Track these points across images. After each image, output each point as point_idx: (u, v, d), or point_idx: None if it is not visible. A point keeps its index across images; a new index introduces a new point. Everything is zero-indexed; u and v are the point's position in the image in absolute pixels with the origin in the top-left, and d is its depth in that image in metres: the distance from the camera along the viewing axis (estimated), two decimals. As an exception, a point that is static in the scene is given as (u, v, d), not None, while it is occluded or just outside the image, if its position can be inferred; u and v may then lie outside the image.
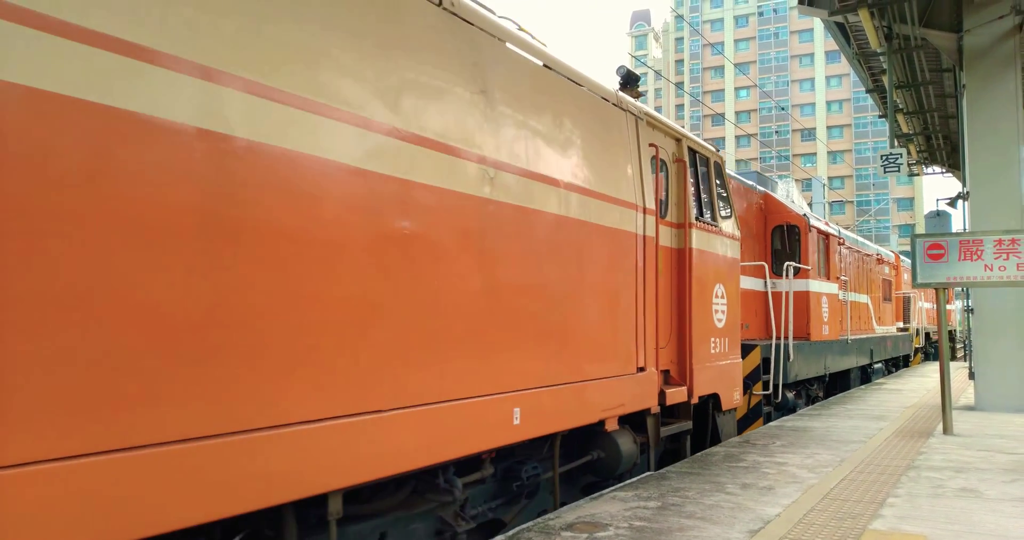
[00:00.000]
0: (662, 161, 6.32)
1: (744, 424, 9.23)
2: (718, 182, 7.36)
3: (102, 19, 2.29)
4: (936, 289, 8.36)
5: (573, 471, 5.33)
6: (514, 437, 4.20)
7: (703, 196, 6.92)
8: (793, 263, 10.76)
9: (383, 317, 3.31)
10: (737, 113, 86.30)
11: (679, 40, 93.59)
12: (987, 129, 10.36)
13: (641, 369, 5.64)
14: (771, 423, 8.88)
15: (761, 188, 11.74)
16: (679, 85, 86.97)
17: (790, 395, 10.49)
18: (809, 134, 78.71)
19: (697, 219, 6.67)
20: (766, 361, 9.71)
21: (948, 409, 7.99)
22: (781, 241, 11.28)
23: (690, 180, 6.68)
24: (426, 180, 3.60)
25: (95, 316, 2.24)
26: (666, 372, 6.22)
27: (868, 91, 17.03)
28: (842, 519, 4.45)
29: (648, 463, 6.09)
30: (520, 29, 4.67)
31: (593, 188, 5.11)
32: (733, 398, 7.50)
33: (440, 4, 3.86)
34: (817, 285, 11.74)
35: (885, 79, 13.73)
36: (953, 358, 24.25)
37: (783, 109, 42.33)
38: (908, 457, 6.57)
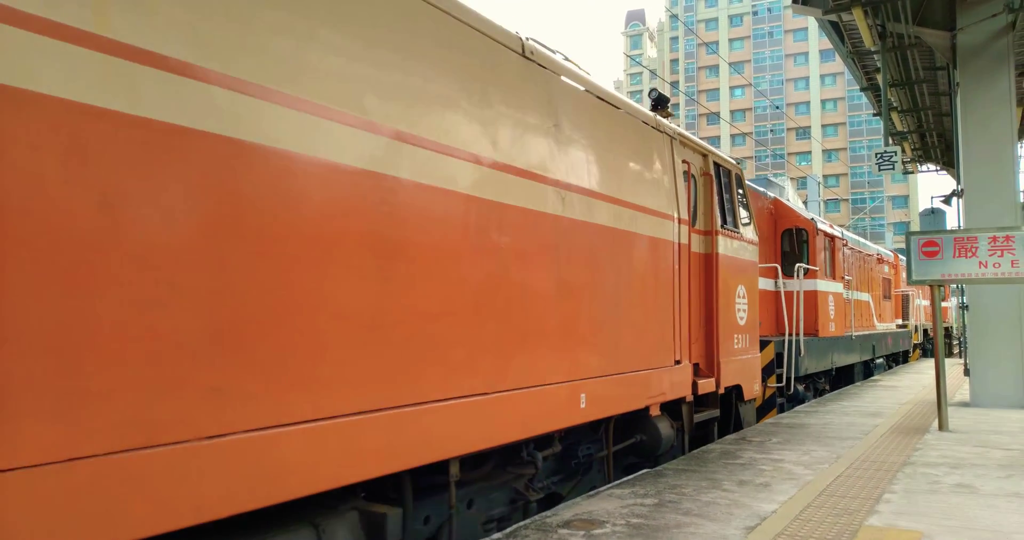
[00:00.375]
0: (692, 175, 7.02)
1: (760, 413, 9.73)
2: (739, 192, 8.11)
3: (339, 98, 3.18)
4: (931, 286, 8.39)
5: (617, 452, 5.99)
6: (581, 419, 4.90)
7: (726, 205, 7.63)
8: (803, 264, 11.37)
9: (488, 318, 4.03)
10: (732, 112, 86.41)
11: (674, 39, 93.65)
12: (981, 127, 10.40)
13: (678, 362, 6.40)
14: (767, 420, 8.92)
15: (771, 194, 12.35)
16: (674, 84, 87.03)
17: (800, 387, 11.16)
18: (804, 132, 78.84)
19: (722, 227, 7.39)
20: (779, 356, 10.37)
21: (943, 405, 8.02)
22: (790, 243, 11.90)
23: (715, 191, 7.38)
24: (516, 202, 4.33)
25: (341, 315, 3.13)
26: (696, 365, 6.86)
27: (862, 89, 17.09)
28: (838, 515, 4.46)
29: (683, 446, 6.83)
30: (566, 59, 5.25)
31: (639, 203, 5.80)
32: (753, 389, 8.22)
33: (523, 53, 4.59)
34: (824, 285, 12.37)
35: (879, 77, 13.77)
36: (950, 354, 24.34)
37: (778, 108, 42.44)
38: (904, 453, 6.59)
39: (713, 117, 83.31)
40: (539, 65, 4.76)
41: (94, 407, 2.24)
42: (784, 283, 10.92)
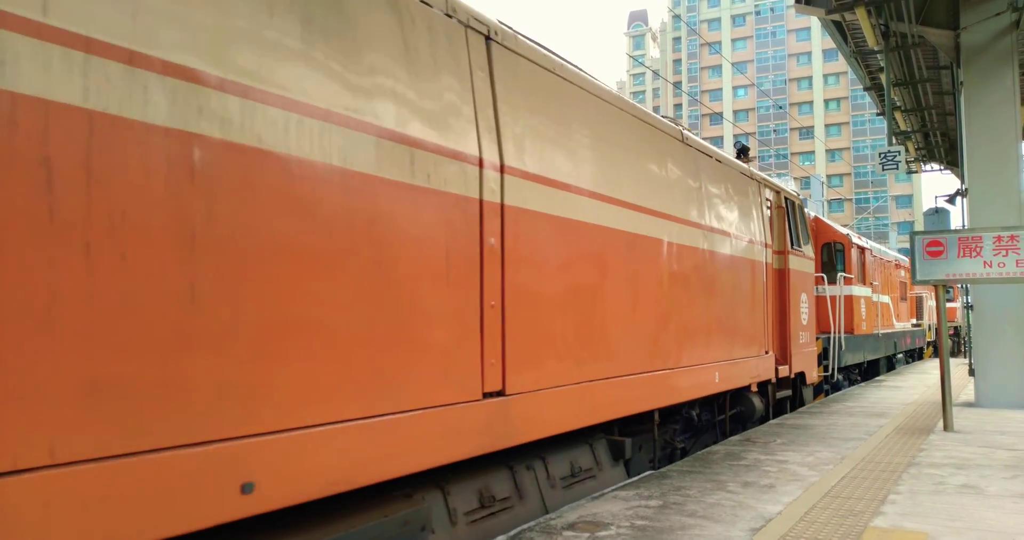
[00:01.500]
0: (770, 208, 8.99)
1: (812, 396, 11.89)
2: (800, 219, 10.04)
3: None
4: (936, 286, 8.37)
5: (718, 421, 7.98)
6: (716, 390, 7.01)
7: (792, 230, 9.54)
8: (843, 273, 13.52)
9: (677, 320, 6.18)
10: (735, 112, 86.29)
11: (676, 40, 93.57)
12: (985, 126, 10.36)
13: (766, 352, 8.42)
14: (771, 421, 8.93)
15: (812, 213, 13.95)
16: (677, 84, 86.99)
17: (839, 376, 13.18)
18: (807, 132, 78.72)
19: (791, 247, 9.31)
20: (825, 350, 12.15)
21: (948, 406, 8.00)
22: (828, 255, 13.90)
23: (786, 219, 9.33)
24: (683, 242, 6.33)
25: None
26: (775, 355, 8.80)
27: (866, 89, 17.03)
28: (844, 517, 4.45)
29: (767, 415, 9.02)
30: (684, 131, 6.88)
31: (743, 235, 7.84)
32: (813, 375, 10.35)
33: (682, 140, 6.60)
34: (858, 290, 14.45)
35: (883, 77, 13.73)
36: (959, 353, 24.28)
37: (781, 108, 42.37)
38: (909, 454, 6.57)
39: (716, 117, 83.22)
40: (690, 146, 6.78)
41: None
42: (825, 288, 12.63)
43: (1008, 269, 7.75)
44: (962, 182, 12.87)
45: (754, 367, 7.96)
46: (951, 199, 17.37)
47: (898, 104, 16.11)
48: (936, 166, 22.50)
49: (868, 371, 16.55)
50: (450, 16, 3.83)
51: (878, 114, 17.90)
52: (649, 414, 6.19)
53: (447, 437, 3.53)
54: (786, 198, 9.53)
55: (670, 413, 6.74)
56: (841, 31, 13.61)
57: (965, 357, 21.61)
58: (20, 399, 2.04)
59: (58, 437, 2.10)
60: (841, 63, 72.90)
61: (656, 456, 6.43)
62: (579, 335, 4.75)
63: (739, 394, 8.02)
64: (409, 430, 3.30)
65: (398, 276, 3.32)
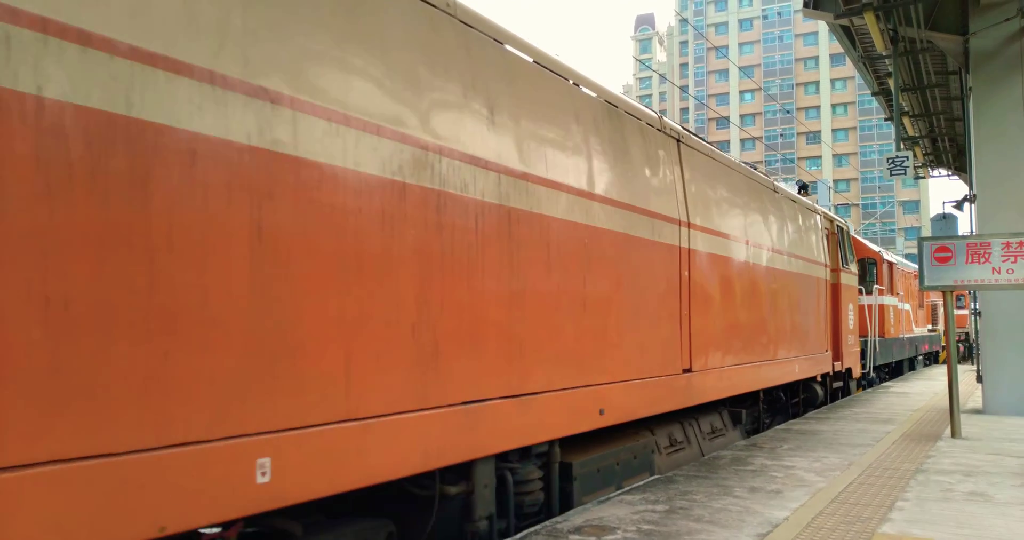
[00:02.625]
0: (827, 234, 11.07)
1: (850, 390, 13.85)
2: (847, 242, 12.13)
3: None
4: (944, 292, 8.34)
5: (792, 403, 10.12)
6: (796, 378, 9.19)
7: (841, 251, 11.54)
8: (877, 285, 15.66)
9: (773, 326, 8.19)
10: (742, 116, 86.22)
11: (683, 44, 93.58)
12: (994, 132, 10.32)
13: (826, 351, 10.56)
14: (778, 426, 8.90)
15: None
16: (684, 88, 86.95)
17: (873, 374, 15.55)
18: (814, 137, 78.52)
19: (842, 266, 11.39)
20: (862, 351, 13.86)
21: (956, 412, 7.96)
22: (863, 269, 15.52)
23: (837, 243, 11.41)
24: (776, 266, 8.19)
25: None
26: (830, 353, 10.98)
27: (874, 94, 17.00)
28: (851, 523, 4.43)
29: (826, 401, 11.13)
30: (775, 182, 8.77)
31: (812, 258, 9.95)
32: (858, 370, 12.90)
33: (774, 189, 8.56)
34: (888, 299, 16.77)
35: (891, 82, 13.69)
36: (969, 358, 24.18)
37: (788, 112, 42.31)
38: (916, 461, 6.54)
39: (723, 121, 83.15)
40: (778, 193, 8.80)
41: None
42: (864, 299, 14.29)
43: (1017, 275, 7.71)
44: (970, 188, 12.82)
45: (819, 362, 10.18)
46: (959, 205, 17.28)
47: (906, 109, 16.07)
48: (944, 172, 22.42)
49: (894, 370, 18.80)
50: (662, 131, 6.11)
51: (886, 119, 17.87)
52: (754, 393, 8.56)
53: (666, 395, 5.78)
54: (837, 225, 11.74)
55: (767, 393, 9.07)
56: (849, 36, 13.59)
57: (969, 364, 21.56)
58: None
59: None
60: (848, 68, 72.71)
61: (760, 424, 8.99)
62: (724, 333, 6.92)
63: (807, 382, 10.28)
64: (652, 389, 5.56)
65: (646, 296, 5.53)
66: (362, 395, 3.02)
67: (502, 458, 4.15)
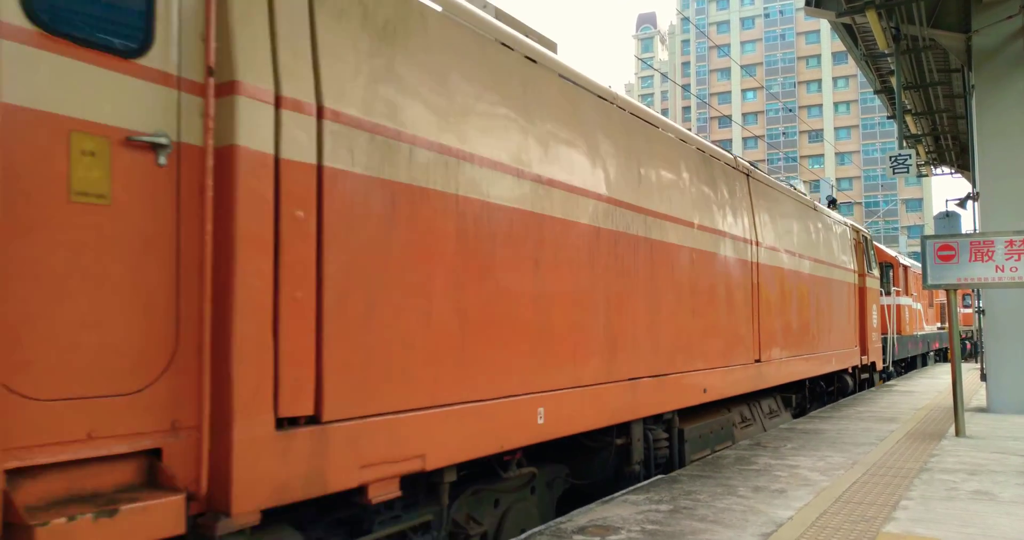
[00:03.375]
0: (854, 243, 12.45)
1: (871, 383, 15.16)
2: (870, 249, 13.57)
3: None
4: (947, 291, 8.33)
5: (828, 391, 11.86)
6: (832, 369, 10.73)
7: (866, 258, 13.00)
8: (895, 287, 17.13)
9: (817, 324, 9.75)
10: (744, 115, 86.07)
11: (685, 42, 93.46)
12: (996, 129, 10.30)
13: (855, 346, 12.06)
14: (782, 425, 8.91)
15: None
16: (686, 87, 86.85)
17: (892, 368, 17.09)
18: (816, 135, 78.38)
19: (866, 271, 12.87)
20: (883, 347, 15.13)
21: (960, 411, 7.95)
22: (881, 272, 16.42)
23: (863, 251, 12.85)
24: (818, 274, 9.85)
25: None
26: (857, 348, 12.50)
27: (876, 92, 16.97)
28: (855, 522, 4.43)
29: (855, 390, 13.01)
30: (815, 202, 10.30)
31: (843, 264, 11.49)
32: (880, 364, 14.24)
33: (814, 208, 10.20)
34: (904, 300, 18.25)
35: (893, 80, 13.67)
36: (974, 356, 24.16)
37: (790, 111, 42.24)
38: (920, 459, 6.53)
39: (725, 120, 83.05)
40: (817, 211, 10.32)
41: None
42: (883, 299, 15.60)
43: (1021, 273, 7.70)
44: (973, 186, 12.80)
45: (850, 356, 11.74)
46: (962, 203, 17.24)
47: (909, 107, 16.02)
48: (947, 170, 22.36)
49: (909, 365, 20.64)
50: (736, 169, 7.66)
51: (888, 117, 17.82)
52: (800, 382, 10.04)
53: (744, 379, 7.28)
54: (862, 234, 13.27)
55: (810, 382, 10.71)
56: (851, 34, 13.56)
57: (972, 362, 21.53)
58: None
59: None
60: (851, 66, 72.59)
61: (804, 408, 10.58)
62: (781, 331, 8.34)
63: (839, 374, 11.94)
64: (736, 375, 7.06)
65: (733, 301, 7.03)
66: (583, 371, 4.64)
67: (646, 421, 5.64)
